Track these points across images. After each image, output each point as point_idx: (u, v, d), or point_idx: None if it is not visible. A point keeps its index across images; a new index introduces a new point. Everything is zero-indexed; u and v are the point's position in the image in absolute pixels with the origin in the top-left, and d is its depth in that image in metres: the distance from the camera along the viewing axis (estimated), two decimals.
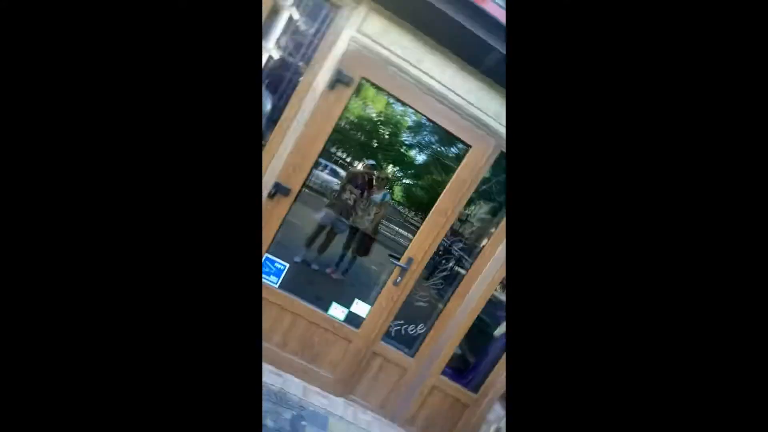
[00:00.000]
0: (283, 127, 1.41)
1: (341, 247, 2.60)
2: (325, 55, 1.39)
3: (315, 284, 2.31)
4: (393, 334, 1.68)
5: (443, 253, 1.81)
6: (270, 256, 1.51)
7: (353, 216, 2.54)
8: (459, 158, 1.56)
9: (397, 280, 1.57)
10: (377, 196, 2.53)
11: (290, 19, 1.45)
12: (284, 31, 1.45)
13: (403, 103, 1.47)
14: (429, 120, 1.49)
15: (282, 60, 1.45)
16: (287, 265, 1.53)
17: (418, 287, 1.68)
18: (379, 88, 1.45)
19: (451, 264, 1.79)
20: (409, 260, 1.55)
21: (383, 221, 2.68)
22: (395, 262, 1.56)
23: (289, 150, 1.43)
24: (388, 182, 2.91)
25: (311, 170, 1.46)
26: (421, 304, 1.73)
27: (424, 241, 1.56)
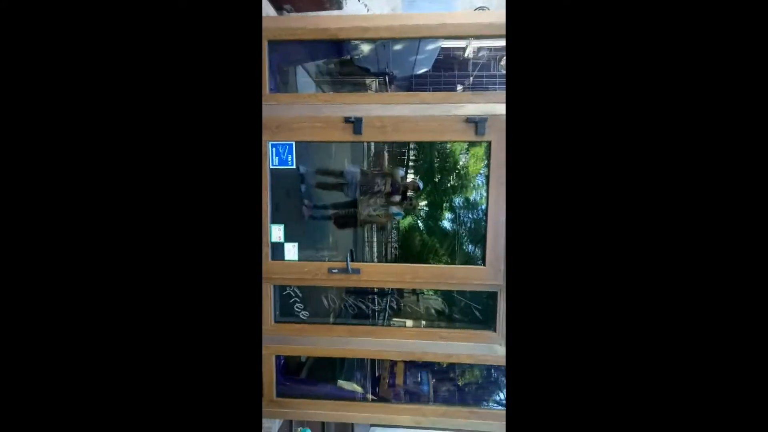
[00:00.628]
0: None
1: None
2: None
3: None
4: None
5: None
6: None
7: (364, 197, 2.54)
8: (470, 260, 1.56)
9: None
10: (393, 209, 2.53)
11: None
12: None
13: (487, 183, 1.49)
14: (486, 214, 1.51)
15: None
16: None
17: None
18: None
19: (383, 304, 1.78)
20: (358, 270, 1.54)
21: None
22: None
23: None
24: (412, 210, 2.92)
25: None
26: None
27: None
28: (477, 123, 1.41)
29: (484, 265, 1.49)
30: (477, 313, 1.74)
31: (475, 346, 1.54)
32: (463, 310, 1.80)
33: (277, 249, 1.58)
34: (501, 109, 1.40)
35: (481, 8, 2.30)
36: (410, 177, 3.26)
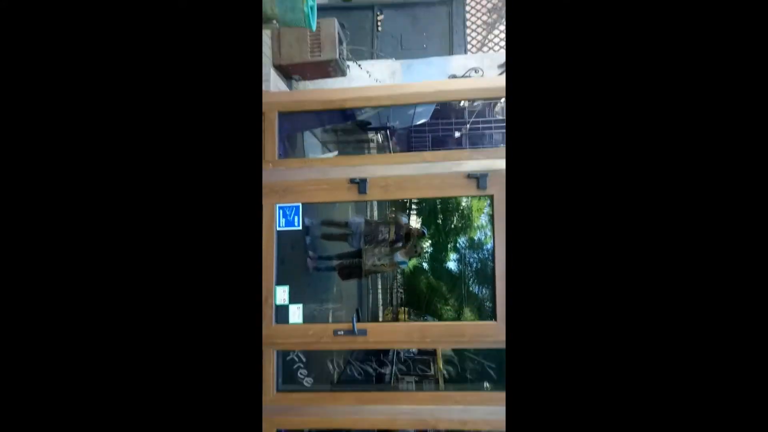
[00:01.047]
0: None
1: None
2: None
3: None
4: None
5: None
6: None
7: (368, 246, 2.54)
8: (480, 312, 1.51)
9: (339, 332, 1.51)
10: (398, 257, 2.52)
11: None
12: None
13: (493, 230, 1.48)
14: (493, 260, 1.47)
15: None
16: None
17: None
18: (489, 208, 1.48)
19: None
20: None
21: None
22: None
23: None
24: (416, 255, 2.89)
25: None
26: None
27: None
28: (478, 178, 1.44)
29: (495, 320, 1.44)
30: (491, 372, 1.64)
31: (492, 411, 1.43)
32: (475, 369, 1.71)
33: (281, 312, 1.54)
34: (501, 164, 1.45)
35: (474, 69, 2.49)
36: (413, 223, 3.29)
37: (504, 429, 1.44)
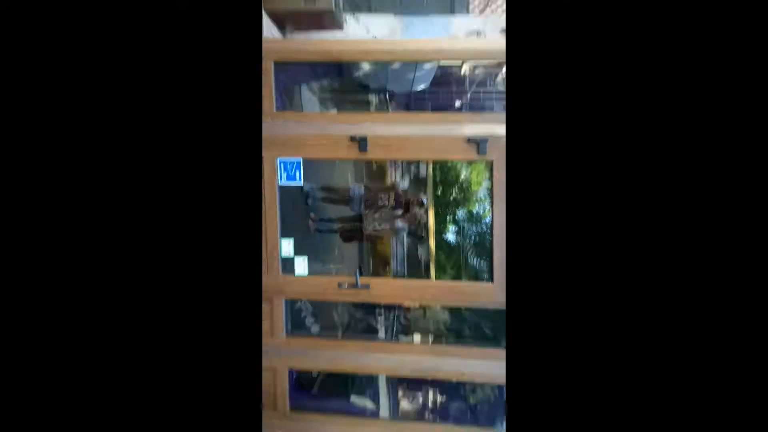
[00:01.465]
0: None
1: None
2: None
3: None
4: None
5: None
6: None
7: (369, 210, 2.56)
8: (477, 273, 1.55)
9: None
10: (399, 224, 2.54)
11: None
12: None
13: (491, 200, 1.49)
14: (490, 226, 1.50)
15: None
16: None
17: None
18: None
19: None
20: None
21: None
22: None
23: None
24: (416, 225, 2.91)
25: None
26: None
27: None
28: (478, 143, 1.45)
29: (492, 281, 1.50)
30: (487, 331, 1.74)
31: (488, 364, 1.51)
32: (473, 327, 1.80)
33: (288, 263, 1.60)
34: (500, 130, 1.45)
35: (476, 32, 2.40)
36: (414, 194, 3.29)
37: (498, 381, 1.53)
